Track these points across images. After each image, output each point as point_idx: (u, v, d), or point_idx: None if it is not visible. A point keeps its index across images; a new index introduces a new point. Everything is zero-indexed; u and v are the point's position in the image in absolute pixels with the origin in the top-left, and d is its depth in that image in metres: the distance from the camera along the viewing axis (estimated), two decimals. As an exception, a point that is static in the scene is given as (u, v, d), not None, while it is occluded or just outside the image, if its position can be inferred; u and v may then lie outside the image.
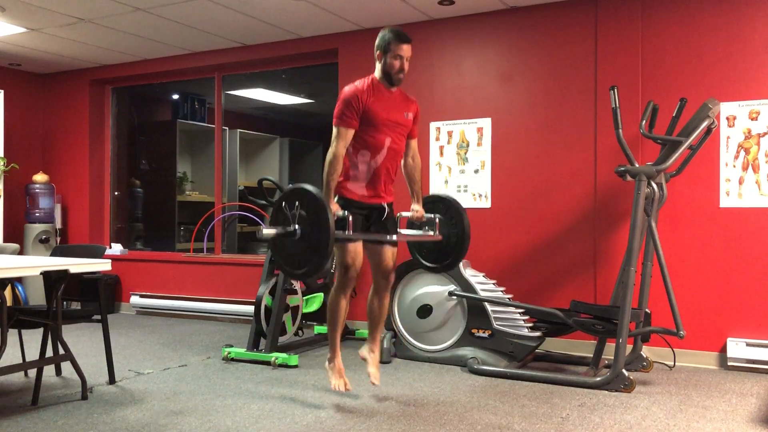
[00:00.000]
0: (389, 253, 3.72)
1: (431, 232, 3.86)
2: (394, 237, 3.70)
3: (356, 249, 3.58)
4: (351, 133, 3.49)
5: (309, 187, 3.30)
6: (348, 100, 3.49)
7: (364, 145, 3.55)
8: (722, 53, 4.57)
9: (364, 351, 3.87)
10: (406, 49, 3.56)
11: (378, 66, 3.61)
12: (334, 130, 3.50)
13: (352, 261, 3.57)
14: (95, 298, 4.09)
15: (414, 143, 3.81)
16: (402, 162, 3.81)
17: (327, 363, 3.79)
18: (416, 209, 3.83)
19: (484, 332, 4.48)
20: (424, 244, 4.00)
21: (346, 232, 3.46)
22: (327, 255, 3.19)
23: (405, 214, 3.88)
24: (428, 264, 4.04)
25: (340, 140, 3.47)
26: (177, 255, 7.04)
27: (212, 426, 3.27)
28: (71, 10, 5.33)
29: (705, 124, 4.11)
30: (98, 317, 4.02)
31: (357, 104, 3.47)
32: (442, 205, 3.95)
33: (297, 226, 3.27)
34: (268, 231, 3.28)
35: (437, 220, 3.82)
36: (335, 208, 3.41)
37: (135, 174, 7.98)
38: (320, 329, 5.56)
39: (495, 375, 4.25)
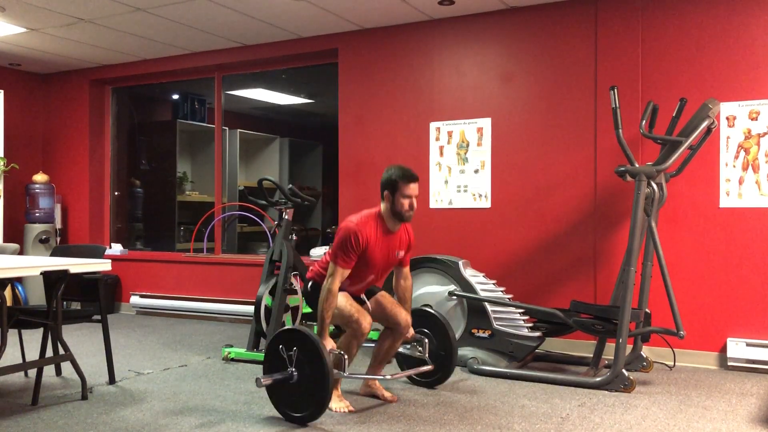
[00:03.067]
0: (404, 314, 3.71)
1: (419, 350, 3.87)
2: (388, 376, 3.74)
3: (355, 306, 3.55)
4: (347, 272, 3.48)
5: (303, 329, 3.30)
6: (350, 238, 3.44)
7: (354, 276, 3.55)
8: (722, 53, 4.57)
9: (366, 390, 3.83)
10: (414, 188, 3.52)
11: (384, 205, 3.55)
12: (331, 265, 3.46)
13: (360, 314, 3.51)
14: (95, 298, 4.09)
15: (406, 269, 3.79)
16: (393, 283, 3.83)
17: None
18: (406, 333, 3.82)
19: (484, 332, 4.48)
20: (412, 358, 4.01)
21: (342, 371, 3.44)
22: (327, 396, 3.17)
23: None
24: (416, 378, 4.05)
25: (336, 277, 3.44)
26: (177, 255, 7.04)
27: (212, 426, 3.27)
28: (71, 10, 5.33)
29: (705, 124, 4.11)
30: (98, 317, 4.02)
31: (357, 246, 3.45)
32: (427, 319, 3.99)
33: (294, 369, 3.27)
34: (266, 379, 3.26)
35: (426, 341, 3.84)
36: (330, 345, 3.40)
37: (135, 174, 7.97)
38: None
39: (495, 375, 4.25)
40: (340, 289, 3.54)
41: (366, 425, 3.27)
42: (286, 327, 3.41)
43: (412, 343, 3.90)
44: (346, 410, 3.50)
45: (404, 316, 3.69)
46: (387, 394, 3.74)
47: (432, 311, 4.05)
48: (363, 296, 3.74)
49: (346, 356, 3.45)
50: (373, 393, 3.79)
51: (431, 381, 4.00)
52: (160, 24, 5.65)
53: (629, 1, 4.81)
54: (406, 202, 3.50)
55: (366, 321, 3.49)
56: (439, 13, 5.32)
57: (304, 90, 8.09)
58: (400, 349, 3.96)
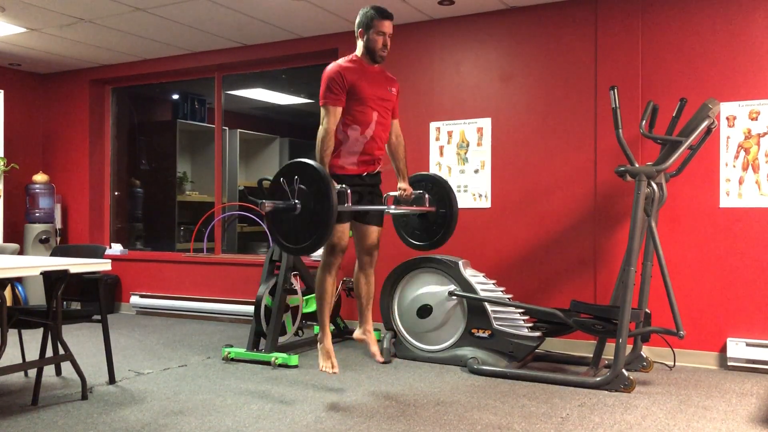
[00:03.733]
0: (375, 232, 3.78)
1: (422, 203, 3.92)
2: (391, 207, 3.73)
3: (343, 229, 3.64)
4: (339, 110, 3.53)
5: (309, 161, 3.31)
6: (332, 78, 3.53)
7: (353, 120, 3.58)
8: (722, 53, 4.57)
9: (359, 333, 3.92)
10: (388, 26, 3.60)
11: (360, 44, 3.66)
12: (322, 109, 3.53)
13: (338, 240, 3.61)
14: (95, 298, 4.09)
15: (396, 123, 3.86)
16: (387, 142, 3.86)
17: (318, 343, 3.81)
18: (403, 187, 3.89)
19: (484, 332, 4.48)
20: (411, 224, 4.02)
21: (345, 204, 3.47)
22: (329, 228, 3.20)
23: (392, 194, 3.92)
24: (417, 243, 4.06)
25: (330, 117, 3.51)
26: (177, 255, 7.04)
27: (212, 426, 3.27)
28: (71, 10, 5.33)
29: (705, 124, 4.11)
30: (98, 317, 4.02)
31: (342, 81, 3.52)
32: (428, 183, 3.98)
33: (297, 201, 3.27)
34: (269, 204, 3.26)
35: (426, 196, 3.85)
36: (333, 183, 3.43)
37: (135, 174, 7.97)
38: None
39: (495, 375, 4.25)
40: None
41: (366, 425, 3.27)
42: (291, 161, 3.39)
43: (413, 205, 3.93)
44: (331, 371, 3.59)
45: (375, 231, 3.74)
46: (375, 350, 3.81)
47: (432, 174, 4.04)
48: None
49: (348, 197, 3.48)
50: (364, 340, 3.87)
51: (432, 243, 3.99)
52: (160, 24, 5.65)
53: (629, 1, 4.80)
54: (380, 39, 3.59)
55: (337, 237, 3.57)
56: (439, 13, 5.32)
57: (304, 90, 8.09)
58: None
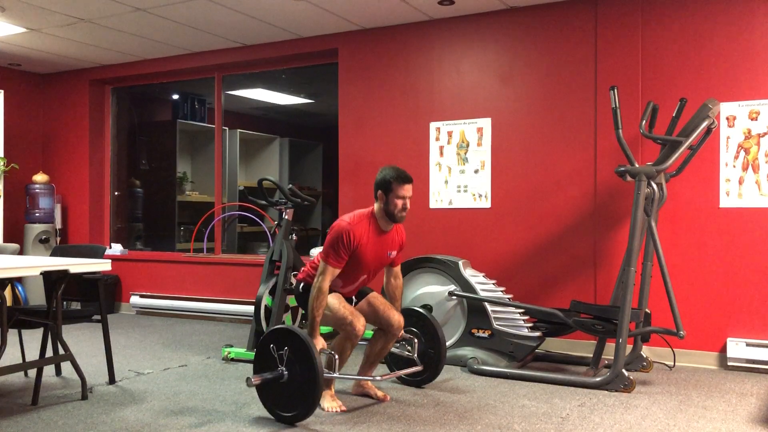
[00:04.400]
0: (396, 315, 3.70)
1: (408, 350, 3.87)
2: (378, 377, 3.72)
3: (348, 308, 3.54)
4: (337, 271, 3.48)
5: (295, 329, 3.30)
6: (341, 239, 3.45)
7: (343, 274, 3.55)
8: (722, 53, 4.57)
9: (359, 388, 3.83)
10: (408, 189, 3.53)
11: (377, 205, 3.56)
12: (322, 264, 3.47)
13: (353, 315, 3.51)
14: (95, 298, 4.09)
15: (397, 269, 3.80)
16: (384, 283, 3.84)
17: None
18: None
19: (484, 332, 4.48)
20: (402, 360, 4.01)
21: (333, 371, 3.45)
22: (317, 396, 3.17)
23: None
24: (405, 377, 4.04)
25: (326, 276, 3.44)
26: (177, 255, 7.04)
27: (212, 426, 3.27)
28: (71, 10, 5.33)
29: (705, 124, 4.11)
30: (98, 317, 4.02)
31: (349, 245, 3.45)
32: (419, 321, 3.99)
33: (284, 369, 3.27)
34: (256, 379, 3.26)
35: (415, 341, 3.83)
36: (320, 345, 3.39)
37: (135, 174, 7.97)
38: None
39: (495, 375, 4.25)
40: (332, 291, 3.54)
41: (365, 425, 3.27)
42: (276, 326, 3.41)
43: (402, 343, 3.90)
44: (338, 410, 3.50)
45: (397, 318, 3.68)
46: (379, 393, 3.75)
47: (421, 311, 4.04)
48: (353, 298, 3.76)
49: (337, 356, 3.46)
50: (365, 392, 3.79)
51: (420, 380, 4.00)
52: (160, 24, 5.65)
53: (629, 1, 4.81)
54: (399, 203, 3.51)
55: (360, 323, 3.48)
56: (439, 13, 5.32)
57: (304, 90, 8.09)
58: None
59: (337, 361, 3.46)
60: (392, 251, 3.67)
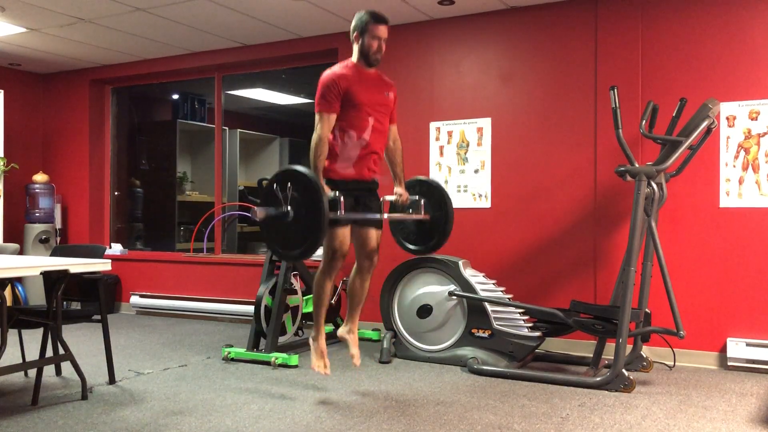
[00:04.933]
0: (374, 235, 3.77)
1: (416, 211, 3.91)
2: (385, 215, 3.74)
3: (344, 233, 3.64)
4: (333, 117, 3.55)
5: (300, 168, 3.32)
6: (327, 85, 3.55)
7: (349, 126, 3.59)
8: (722, 53, 4.56)
9: (343, 332, 3.91)
10: (383, 30, 3.62)
11: (355, 48, 3.67)
12: (317, 115, 3.55)
13: (340, 245, 3.61)
14: (95, 298, 4.09)
15: (394, 128, 3.86)
16: (385, 153, 3.87)
17: (311, 341, 3.82)
18: (399, 192, 3.90)
19: (484, 332, 4.48)
20: (408, 228, 4.03)
21: (338, 212, 3.48)
22: (321, 236, 3.22)
23: (389, 198, 3.92)
24: (413, 247, 4.06)
25: (324, 124, 3.53)
26: (177, 255, 7.04)
27: (212, 426, 3.27)
28: (71, 10, 5.33)
29: (705, 124, 4.11)
30: (98, 317, 4.02)
31: (336, 88, 3.53)
32: (425, 188, 3.98)
33: (289, 208, 3.27)
34: (261, 212, 3.27)
35: (422, 201, 3.85)
36: (326, 190, 3.43)
37: (135, 174, 7.98)
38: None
39: (495, 375, 4.25)
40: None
41: (366, 425, 3.27)
42: (282, 168, 3.43)
43: (408, 210, 3.94)
44: (323, 373, 3.61)
45: (373, 242, 3.75)
46: (354, 353, 3.81)
47: (426, 179, 4.04)
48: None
49: (340, 197, 3.50)
50: (346, 340, 3.87)
51: (427, 247, 3.99)
52: (160, 24, 5.65)
53: (629, 1, 4.80)
54: (374, 44, 3.61)
55: (338, 241, 3.58)
56: (439, 13, 5.32)
57: (304, 90, 8.09)
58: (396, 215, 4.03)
59: (343, 203, 3.49)
60: (388, 92, 3.74)
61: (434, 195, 3.96)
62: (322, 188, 3.29)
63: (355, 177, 3.66)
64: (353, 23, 3.67)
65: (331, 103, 3.53)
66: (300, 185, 3.27)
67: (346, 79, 3.56)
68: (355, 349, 3.84)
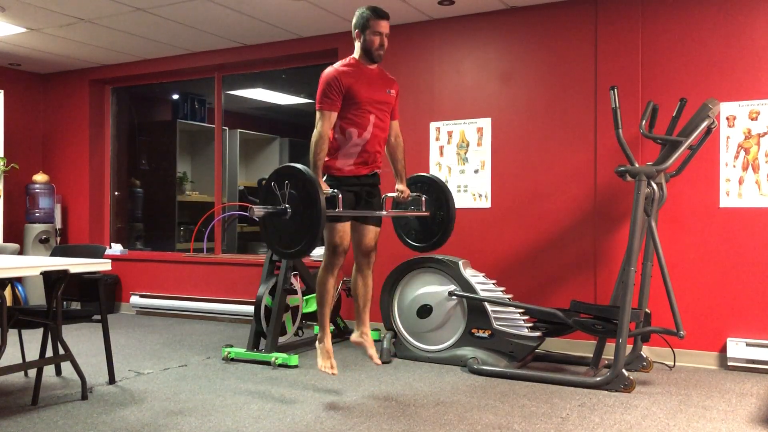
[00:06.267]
0: (372, 233, 3.77)
1: (418, 208, 3.90)
2: (384, 212, 3.74)
3: (344, 229, 3.63)
4: (334, 114, 3.54)
5: (298, 165, 3.32)
6: (329, 82, 3.53)
7: (349, 123, 3.58)
8: (722, 53, 4.57)
9: (356, 336, 3.90)
10: (384, 26, 3.60)
11: (357, 45, 3.65)
12: (318, 113, 3.54)
13: (341, 241, 3.61)
14: (95, 298, 4.09)
15: (396, 124, 3.85)
16: (386, 148, 3.86)
17: (317, 342, 3.80)
18: (401, 189, 3.89)
19: (484, 332, 4.48)
20: (410, 225, 4.03)
21: (336, 209, 3.48)
22: (318, 233, 3.22)
23: (390, 195, 3.92)
24: (415, 244, 4.06)
25: (324, 121, 3.52)
26: (177, 255, 7.04)
27: (212, 426, 3.27)
28: (71, 10, 5.33)
29: (705, 124, 4.11)
30: (98, 317, 4.02)
31: (338, 85, 3.52)
32: (426, 185, 3.98)
33: (287, 205, 3.28)
34: (259, 209, 3.27)
35: (423, 198, 3.84)
36: (324, 187, 3.43)
37: (135, 174, 7.98)
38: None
39: (495, 375, 4.25)
40: (338, 218, 3.56)
41: (366, 425, 3.27)
42: (280, 166, 3.42)
43: (410, 207, 3.93)
44: (330, 371, 3.58)
45: (370, 239, 3.73)
46: (372, 353, 3.79)
47: (428, 175, 4.04)
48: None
49: (338, 194, 3.49)
50: (362, 345, 3.84)
51: (429, 245, 3.99)
52: (160, 24, 5.65)
53: (629, 1, 4.80)
54: (376, 40, 3.58)
55: (339, 237, 3.57)
56: (439, 13, 5.32)
57: (304, 90, 8.09)
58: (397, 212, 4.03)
59: (341, 200, 3.47)
60: (390, 89, 3.72)
61: (436, 191, 3.96)
62: (320, 185, 3.29)
63: (355, 173, 3.66)
64: (354, 20, 3.66)
65: (332, 101, 3.52)
66: (297, 182, 3.28)
67: (348, 76, 3.55)
68: (372, 350, 3.81)
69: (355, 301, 3.90)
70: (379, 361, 3.82)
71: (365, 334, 3.86)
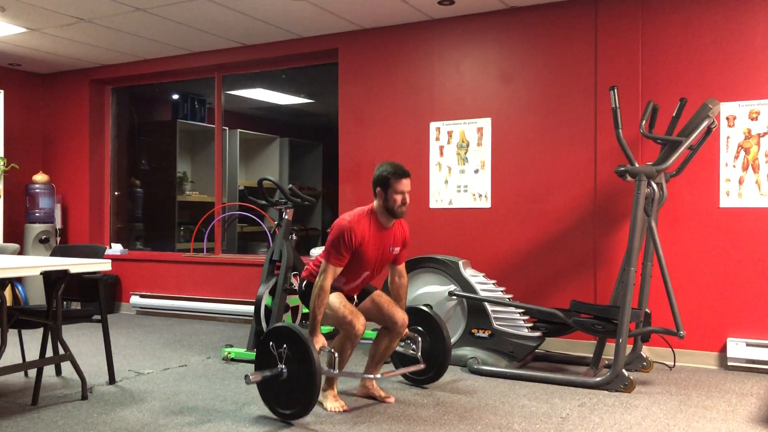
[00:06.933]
0: (400, 313, 3.68)
1: (412, 348, 3.84)
2: (378, 375, 3.69)
3: (349, 307, 3.52)
4: (339, 270, 3.47)
5: (294, 327, 3.30)
6: (342, 236, 3.43)
7: (345, 272, 3.53)
8: (722, 53, 4.57)
9: (363, 389, 3.80)
10: (406, 184, 3.51)
11: (377, 202, 3.54)
12: (323, 263, 3.46)
13: (353, 315, 3.48)
14: (95, 298, 4.09)
15: (402, 268, 3.78)
16: (389, 279, 3.82)
17: (321, 392, 3.57)
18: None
19: (484, 332, 4.48)
20: (406, 356, 4.00)
21: (334, 370, 3.44)
22: (315, 394, 3.18)
23: None
24: (411, 377, 4.04)
25: (328, 275, 3.43)
26: (177, 255, 7.04)
27: (212, 426, 3.27)
28: (71, 10, 5.33)
29: (705, 124, 4.11)
30: (98, 317, 4.02)
31: (350, 243, 3.43)
32: (422, 318, 3.97)
33: (283, 366, 3.27)
34: (255, 376, 3.27)
35: (419, 340, 3.79)
36: (321, 343, 3.39)
37: (135, 174, 7.97)
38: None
39: (495, 375, 4.25)
40: (335, 289, 3.54)
41: (366, 425, 3.27)
42: (276, 325, 3.42)
43: (406, 342, 3.89)
44: (341, 410, 3.49)
45: (401, 316, 3.66)
46: (383, 394, 3.74)
47: (426, 310, 4.04)
48: (355, 297, 3.74)
49: (336, 354, 3.45)
50: (370, 394, 3.77)
51: (424, 379, 3.99)
52: (160, 24, 5.65)
53: (629, 1, 4.81)
54: (398, 198, 3.49)
55: (359, 323, 3.46)
56: (439, 13, 5.32)
57: (304, 90, 8.09)
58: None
59: (338, 360, 3.46)
60: (395, 247, 3.65)
61: (432, 327, 3.95)
62: (314, 348, 3.23)
63: (352, 295, 3.70)
64: (375, 176, 3.54)
65: (341, 257, 3.44)
66: (294, 345, 3.25)
67: (363, 234, 3.47)
68: (383, 393, 3.74)
69: (372, 357, 3.76)
70: (392, 400, 3.70)
71: (372, 386, 3.76)
